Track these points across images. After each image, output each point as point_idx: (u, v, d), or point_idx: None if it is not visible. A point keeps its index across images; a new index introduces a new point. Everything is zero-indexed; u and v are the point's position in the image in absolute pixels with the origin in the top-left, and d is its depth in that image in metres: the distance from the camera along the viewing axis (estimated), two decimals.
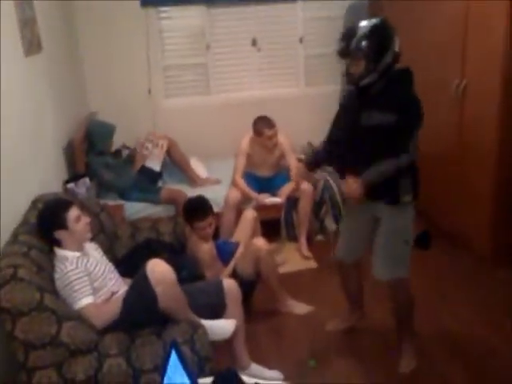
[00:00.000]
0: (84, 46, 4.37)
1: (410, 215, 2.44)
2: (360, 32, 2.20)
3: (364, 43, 2.19)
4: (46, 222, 2.27)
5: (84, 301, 2.12)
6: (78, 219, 2.27)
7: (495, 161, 3.21)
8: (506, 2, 2.91)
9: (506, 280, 3.20)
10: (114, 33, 4.39)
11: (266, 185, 3.88)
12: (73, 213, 2.26)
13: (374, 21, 2.24)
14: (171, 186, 3.95)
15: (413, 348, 2.61)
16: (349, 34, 2.25)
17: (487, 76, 3.16)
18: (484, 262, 3.40)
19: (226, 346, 2.45)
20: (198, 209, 2.98)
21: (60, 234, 2.23)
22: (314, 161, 2.71)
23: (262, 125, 3.71)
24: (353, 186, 2.31)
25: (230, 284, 2.53)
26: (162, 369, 1.58)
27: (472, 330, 2.84)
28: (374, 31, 2.20)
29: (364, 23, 2.23)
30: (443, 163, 3.72)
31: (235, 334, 2.40)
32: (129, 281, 2.51)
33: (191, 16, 4.56)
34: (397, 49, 2.23)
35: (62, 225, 2.22)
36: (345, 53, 2.26)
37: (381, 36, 2.21)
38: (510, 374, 2.51)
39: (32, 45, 2.98)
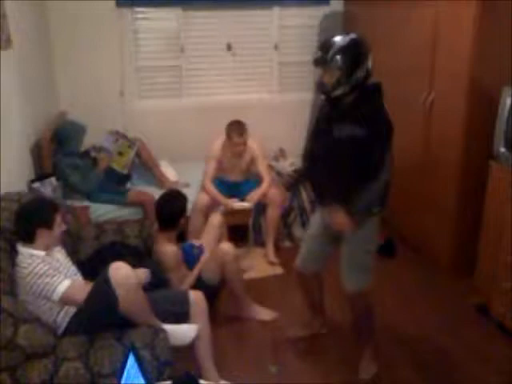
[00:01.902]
0: (56, 45, 4.31)
1: (375, 226, 2.48)
2: (337, 45, 2.28)
3: (339, 56, 2.27)
4: (34, 216, 2.28)
5: (62, 285, 2.15)
6: (60, 224, 2.34)
7: (459, 174, 3.29)
8: (473, 14, 2.97)
9: (464, 289, 3.29)
10: (88, 32, 4.33)
11: (235, 190, 3.89)
12: (59, 217, 2.33)
13: (352, 36, 2.33)
14: (140, 187, 3.94)
15: (373, 354, 2.66)
16: (326, 44, 2.32)
17: (454, 90, 3.23)
18: (445, 272, 3.49)
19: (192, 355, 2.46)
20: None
21: (41, 232, 2.24)
22: (295, 183, 2.78)
23: (233, 130, 3.72)
24: (340, 220, 2.38)
25: (196, 296, 2.51)
26: (119, 372, 1.58)
27: (431, 336, 2.92)
28: (350, 46, 2.29)
29: (342, 37, 2.31)
30: (410, 174, 3.79)
31: (200, 344, 2.41)
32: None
33: (167, 18, 4.55)
34: (369, 65, 2.31)
35: (48, 224, 2.27)
36: (320, 62, 2.33)
37: (356, 51, 2.30)
38: (464, 377, 2.61)
39: (1, 40, 2.94)
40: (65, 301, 2.15)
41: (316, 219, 2.65)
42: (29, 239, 2.23)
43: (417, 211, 3.76)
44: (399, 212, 3.96)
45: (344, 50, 2.28)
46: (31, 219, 2.27)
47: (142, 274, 2.35)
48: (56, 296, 2.13)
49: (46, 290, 2.12)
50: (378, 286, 3.38)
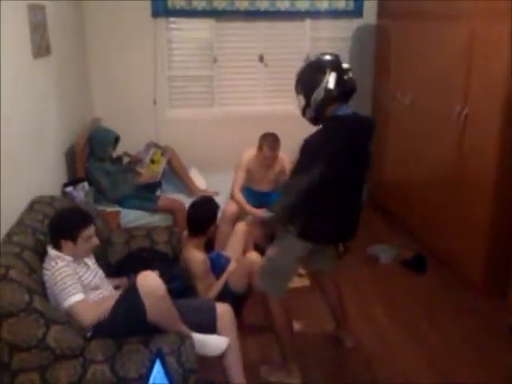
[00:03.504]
0: (92, 53, 4.42)
1: (289, 243, 2.46)
2: (300, 68, 2.35)
3: (297, 81, 2.34)
4: (59, 226, 2.29)
5: (74, 298, 2.13)
6: (88, 239, 2.30)
7: (493, 189, 3.22)
8: (509, 30, 2.94)
9: (497, 309, 3.20)
10: (123, 41, 4.44)
11: (263, 200, 3.88)
12: (87, 232, 2.29)
13: (311, 58, 2.37)
14: (169, 194, 3.98)
15: (293, 366, 2.63)
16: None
17: (489, 104, 3.18)
18: (477, 290, 3.40)
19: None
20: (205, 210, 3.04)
21: (64, 243, 2.24)
22: None
23: (266, 143, 3.71)
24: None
25: (224, 309, 2.48)
26: (145, 377, 1.58)
27: (462, 358, 2.84)
28: (305, 68, 2.33)
29: (306, 60, 2.40)
30: (441, 188, 3.74)
31: (229, 356, 2.37)
32: (119, 280, 2.54)
33: (200, 29, 4.62)
34: (330, 86, 2.25)
35: (72, 238, 2.25)
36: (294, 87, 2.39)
37: (311, 73, 2.29)
38: None
39: (41, 48, 3.02)
40: (69, 314, 2.12)
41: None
42: (55, 246, 2.26)
43: (448, 226, 3.68)
44: (430, 227, 3.91)
45: (299, 75, 2.34)
46: (56, 229, 2.29)
47: None
48: (66, 304, 2.12)
49: (62, 295, 2.13)
50: (406, 302, 3.36)
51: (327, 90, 2.24)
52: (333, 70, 2.24)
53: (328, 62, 2.28)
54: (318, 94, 2.25)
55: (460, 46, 3.42)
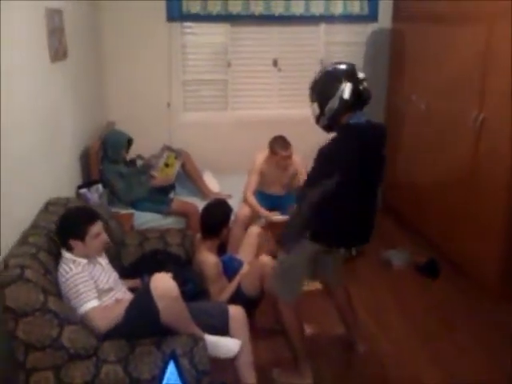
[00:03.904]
0: (108, 57, 4.46)
1: (302, 247, 2.45)
2: (316, 76, 2.35)
3: (312, 90, 2.35)
4: (66, 227, 2.30)
5: (89, 304, 2.14)
6: (97, 236, 2.30)
7: (508, 194, 3.19)
8: None
9: (509, 312, 3.18)
10: (138, 45, 4.47)
11: (276, 203, 3.89)
12: (95, 228, 2.29)
13: (327, 67, 2.36)
14: (182, 197, 3.99)
15: (295, 366, 2.65)
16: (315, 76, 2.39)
17: (506, 110, 3.14)
18: (492, 296, 3.36)
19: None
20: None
21: (74, 243, 2.25)
22: None
23: (278, 145, 3.74)
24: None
25: (236, 311, 2.49)
26: (159, 378, 1.58)
27: (476, 366, 2.80)
28: (320, 77, 2.33)
29: (320, 70, 2.37)
30: (456, 193, 3.71)
31: (241, 358, 2.37)
32: (132, 282, 2.55)
33: (214, 33, 4.63)
34: (345, 96, 2.25)
35: (80, 236, 2.25)
36: (309, 95, 2.40)
37: (326, 82, 2.29)
38: None
39: (58, 52, 3.06)
40: (84, 319, 2.13)
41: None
42: (66, 248, 2.27)
43: (462, 231, 3.65)
44: (444, 231, 3.88)
45: (314, 84, 2.34)
46: (63, 230, 2.30)
47: None
48: (81, 311, 2.14)
49: (76, 301, 2.15)
50: (419, 307, 3.33)
51: (342, 100, 2.25)
52: (348, 79, 2.24)
53: (343, 71, 2.28)
54: (333, 104, 2.26)
55: (477, 50, 3.39)
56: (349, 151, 2.25)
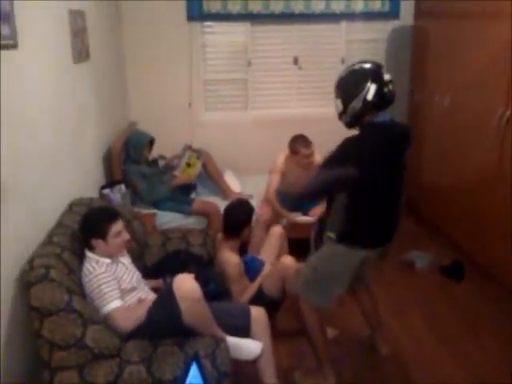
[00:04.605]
0: (129, 57, 4.50)
1: (334, 252, 2.42)
2: (342, 73, 2.32)
3: (337, 87, 2.31)
4: (88, 227, 2.32)
5: (112, 304, 2.16)
6: (118, 234, 2.31)
7: None
8: None
9: None
10: (159, 45, 4.50)
11: (297, 203, 3.86)
12: (116, 227, 2.31)
13: (354, 65, 2.31)
14: (204, 197, 3.99)
15: (328, 370, 2.61)
16: (341, 72, 2.36)
17: None
18: None
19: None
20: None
21: (96, 242, 2.27)
22: None
23: (299, 143, 3.71)
24: None
25: (258, 313, 2.47)
26: (181, 379, 1.59)
27: (495, 363, 2.76)
28: (347, 75, 2.29)
29: (347, 67, 2.33)
30: (481, 193, 3.63)
31: (263, 361, 2.36)
32: (155, 282, 2.56)
33: (234, 32, 4.63)
34: (370, 98, 2.21)
35: (102, 235, 2.27)
36: (334, 90, 2.37)
37: (352, 81, 2.26)
38: None
39: (81, 53, 3.09)
40: (107, 319, 2.14)
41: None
42: (88, 248, 2.29)
43: (487, 232, 3.58)
44: (468, 232, 3.81)
45: (340, 80, 2.31)
46: (85, 230, 2.32)
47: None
48: (105, 311, 2.15)
49: (100, 301, 2.16)
50: (442, 309, 3.28)
51: (366, 101, 2.22)
52: (374, 81, 2.21)
53: (371, 72, 2.24)
54: (357, 103, 2.23)
55: (502, 46, 3.31)
56: (373, 149, 2.23)
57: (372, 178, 2.22)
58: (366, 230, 2.38)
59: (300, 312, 2.59)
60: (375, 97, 2.20)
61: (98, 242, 2.27)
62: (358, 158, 2.20)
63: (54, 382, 1.99)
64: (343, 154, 2.25)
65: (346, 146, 2.25)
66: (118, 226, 2.32)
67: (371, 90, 2.20)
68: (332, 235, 2.39)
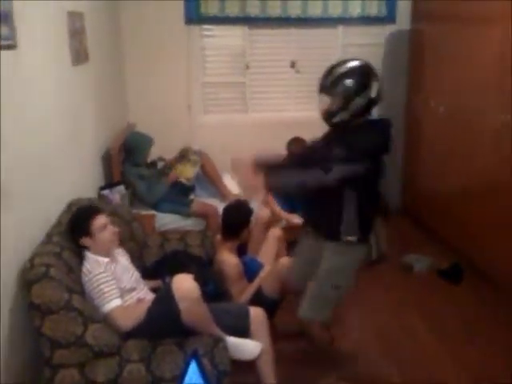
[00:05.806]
0: (128, 59, 4.51)
1: (354, 258, 2.39)
2: (341, 70, 2.24)
3: (341, 81, 2.22)
4: (72, 228, 2.34)
5: (112, 303, 2.17)
6: (103, 228, 2.31)
7: None
8: None
9: None
10: (158, 48, 4.51)
11: (296, 205, 3.88)
12: (98, 221, 2.31)
13: (356, 62, 2.28)
14: (202, 199, 4.00)
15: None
16: (330, 70, 2.29)
17: None
18: None
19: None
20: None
21: (85, 241, 2.29)
22: None
23: (295, 146, 3.73)
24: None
25: (257, 313, 2.48)
26: (180, 376, 1.59)
27: (494, 366, 2.77)
28: (352, 71, 2.24)
29: (347, 63, 2.28)
30: (479, 197, 3.65)
31: (262, 361, 2.37)
32: (154, 282, 2.56)
33: (233, 35, 4.66)
34: (373, 95, 2.22)
35: (86, 232, 2.28)
36: (323, 88, 2.29)
37: (358, 78, 2.22)
38: None
39: (79, 55, 3.10)
40: (107, 319, 2.15)
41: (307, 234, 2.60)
42: (82, 248, 2.31)
43: (486, 235, 3.59)
44: (466, 236, 3.81)
45: (345, 75, 2.22)
46: (71, 232, 2.34)
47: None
48: (104, 310, 2.16)
49: (99, 300, 2.17)
50: (441, 312, 3.28)
51: (370, 99, 2.23)
52: (375, 79, 2.24)
53: (372, 69, 2.26)
54: (360, 101, 2.21)
55: (501, 51, 3.32)
56: (384, 143, 2.27)
57: (380, 171, 2.28)
58: (370, 220, 2.40)
59: (311, 336, 2.60)
60: (377, 95, 2.23)
61: (86, 241, 2.28)
62: (373, 151, 2.24)
63: (54, 380, 2.00)
64: (366, 147, 2.22)
65: (368, 138, 2.23)
66: (99, 220, 2.31)
67: (374, 87, 2.22)
68: (352, 238, 2.31)
